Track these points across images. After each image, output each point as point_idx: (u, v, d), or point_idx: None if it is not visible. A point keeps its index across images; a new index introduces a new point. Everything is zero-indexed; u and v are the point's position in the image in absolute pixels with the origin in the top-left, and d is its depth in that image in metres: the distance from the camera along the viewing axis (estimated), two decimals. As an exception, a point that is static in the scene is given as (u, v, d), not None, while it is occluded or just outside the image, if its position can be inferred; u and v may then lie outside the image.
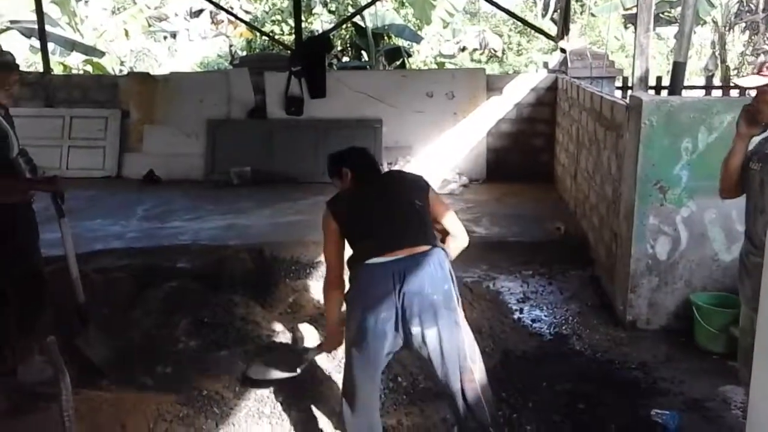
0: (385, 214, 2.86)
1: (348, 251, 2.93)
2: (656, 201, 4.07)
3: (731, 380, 3.66)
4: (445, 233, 3.04)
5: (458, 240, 3.05)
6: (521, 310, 4.68)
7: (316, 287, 5.09)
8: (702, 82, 14.44)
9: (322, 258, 5.45)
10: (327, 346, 3.31)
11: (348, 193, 3.04)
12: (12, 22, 13.16)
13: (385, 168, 8.09)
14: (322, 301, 4.87)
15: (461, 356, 2.73)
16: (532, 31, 17.92)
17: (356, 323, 2.74)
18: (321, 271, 5.38)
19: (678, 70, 5.75)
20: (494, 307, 4.57)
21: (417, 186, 2.99)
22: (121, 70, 15.44)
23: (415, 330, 2.67)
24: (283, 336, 4.05)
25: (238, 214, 7.01)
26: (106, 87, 9.48)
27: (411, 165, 8.24)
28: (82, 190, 7.92)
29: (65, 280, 4.04)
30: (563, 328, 4.38)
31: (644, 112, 3.95)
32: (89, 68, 14.21)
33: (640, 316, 4.27)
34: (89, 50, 12.19)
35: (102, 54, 13.02)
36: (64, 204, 3.99)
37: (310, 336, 4.06)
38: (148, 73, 10.09)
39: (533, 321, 4.51)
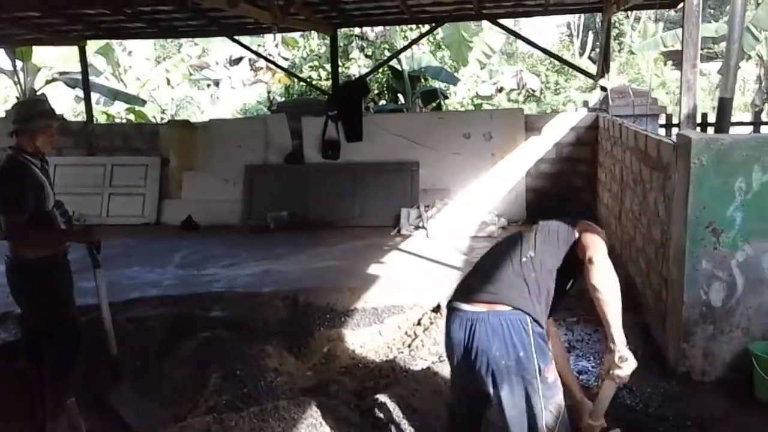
0: (497, 259, 2.71)
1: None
2: (709, 244, 3.83)
3: (800, 439, 3.38)
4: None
5: (599, 294, 2.48)
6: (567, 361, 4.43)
7: (351, 336, 4.97)
8: (746, 117, 14.08)
9: (357, 305, 5.39)
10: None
11: None
12: (60, 73, 13.65)
13: (423, 210, 7.99)
14: (357, 351, 4.77)
15: (515, 427, 2.54)
16: (570, 70, 17.87)
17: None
18: (356, 319, 5.25)
19: (724, 106, 5.53)
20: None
21: (559, 238, 2.70)
22: (162, 118, 15.81)
23: (488, 390, 2.55)
24: (316, 390, 3.90)
25: (273, 260, 6.94)
26: (146, 135, 9.65)
27: (448, 207, 8.12)
28: (122, 237, 8.00)
29: (99, 331, 4.00)
30: (612, 380, 4.12)
31: (693, 151, 3.75)
32: (131, 117, 14.59)
33: (695, 367, 3.99)
34: (131, 99, 12.51)
35: (143, 102, 13.35)
36: (100, 254, 3.97)
37: (345, 389, 3.90)
38: (187, 121, 10.27)
39: (580, 372, 4.26)
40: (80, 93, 11.33)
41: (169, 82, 14.99)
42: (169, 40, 21.86)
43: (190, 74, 15.76)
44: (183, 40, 18.77)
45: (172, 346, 4.67)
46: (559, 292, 2.63)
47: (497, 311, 2.52)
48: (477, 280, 2.68)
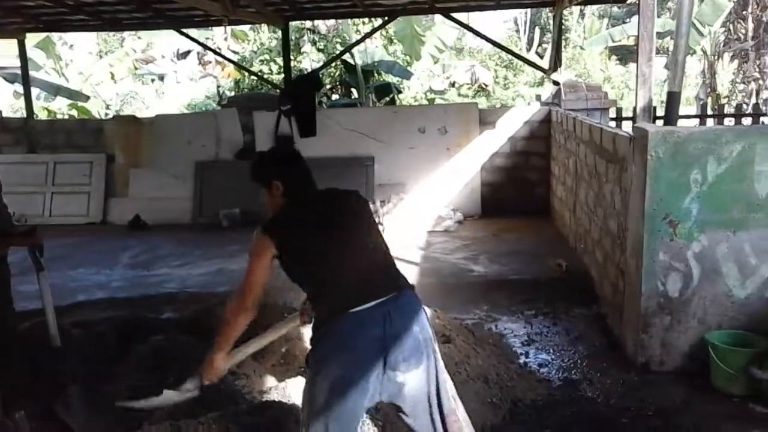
0: (351, 253, 2.58)
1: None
2: (666, 236, 3.88)
3: (757, 425, 3.44)
4: None
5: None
6: (527, 354, 4.44)
7: (309, 335, 4.85)
8: (690, 110, 14.45)
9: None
10: (209, 374, 2.99)
11: (287, 216, 2.76)
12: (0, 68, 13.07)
13: (378, 206, 7.92)
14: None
15: (444, 396, 2.57)
16: (519, 65, 18.07)
17: (331, 382, 2.43)
18: (315, 318, 5.14)
19: (673, 99, 5.62)
20: (499, 352, 4.32)
21: (361, 208, 2.75)
22: (106, 114, 15.31)
23: (400, 377, 2.45)
24: (275, 392, 3.79)
25: (227, 259, 6.78)
26: (90, 131, 9.31)
27: (405, 202, 8.08)
28: (65, 237, 7.70)
29: (44, 337, 3.81)
30: (572, 372, 4.14)
31: (650, 144, 3.79)
32: (74, 113, 14.08)
33: (653, 358, 4.03)
34: (74, 95, 12.05)
35: (87, 98, 12.88)
36: (43, 256, 3.78)
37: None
38: (134, 116, 9.94)
39: (540, 366, 4.27)
40: (20, 88, 10.88)
41: (113, 77, 14.51)
42: (111, 34, 21.20)
43: (135, 68, 15.28)
44: (126, 34, 18.20)
45: (123, 351, 4.47)
46: None
47: (398, 295, 2.52)
48: (359, 280, 2.53)
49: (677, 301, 3.95)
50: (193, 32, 10.70)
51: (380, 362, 2.42)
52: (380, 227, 2.84)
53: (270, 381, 4.09)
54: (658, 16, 20.12)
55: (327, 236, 2.61)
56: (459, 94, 18.15)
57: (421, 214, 7.85)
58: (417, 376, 2.48)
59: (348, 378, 2.42)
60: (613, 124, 8.46)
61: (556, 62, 8.44)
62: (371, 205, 2.95)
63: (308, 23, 14.54)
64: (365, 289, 2.49)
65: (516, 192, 8.31)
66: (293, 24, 12.83)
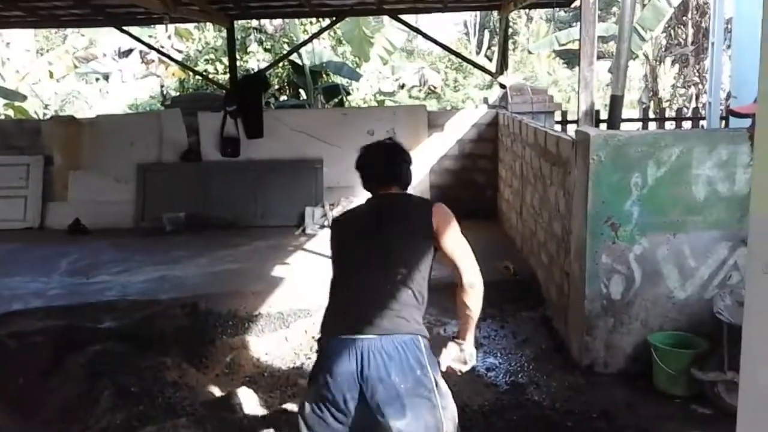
0: (368, 279, 2.51)
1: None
2: (608, 239, 3.93)
3: (699, 426, 3.50)
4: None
5: (468, 293, 2.52)
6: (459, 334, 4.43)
7: (255, 343, 4.77)
8: (633, 114, 14.82)
9: (261, 310, 5.18)
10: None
11: (349, 212, 2.84)
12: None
13: (328, 209, 7.84)
14: (262, 359, 4.57)
15: None
16: (469, 68, 18.24)
17: (318, 387, 2.42)
18: (261, 325, 5.05)
19: (616, 103, 5.73)
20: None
21: (419, 224, 2.58)
22: (45, 114, 14.80)
23: (383, 420, 2.34)
24: (219, 404, 3.68)
25: (171, 265, 6.58)
26: (27, 132, 8.94)
27: (354, 205, 8.01)
28: (1, 243, 7.38)
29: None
30: (519, 376, 4.16)
31: (592, 147, 3.83)
32: (11, 113, 13.54)
33: (598, 360, 4.08)
34: (9, 94, 11.57)
35: (24, 98, 12.39)
36: None
37: (250, 401, 3.71)
38: (72, 117, 9.60)
39: (488, 370, 4.28)
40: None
41: (52, 76, 14.01)
42: (53, 31, 20.51)
43: (75, 67, 14.79)
44: (69, 31, 17.64)
45: (59, 362, 4.30)
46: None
47: (389, 336, 2.38)
48: (357, 305, 2.48)
49: (620, 303, 4.00)
50: (135, 30, 10.39)
51: (356, 397, 2.36)
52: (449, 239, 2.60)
53: (214, 391, 3.99)
54: (603, 21, 20.61)
55: (359, 247, 2.60)
56: (410, 96, 18.20)
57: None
58: (402, 426, 2.34)
59: (325, 404, 2.39)
60: (558, 127, 8.59)
61: (502, 65, 8.51)
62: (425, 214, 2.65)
63: (254, 22, 14.33)
64: (355, 318, 2.43)
65: (465, 194, 8.32)
66: (239, 23, 12.64)
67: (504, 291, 5.54)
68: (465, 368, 2.67)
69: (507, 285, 5.67)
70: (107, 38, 16.70)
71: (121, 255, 7.03)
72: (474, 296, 2.53)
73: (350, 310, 2.48)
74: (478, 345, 4.63)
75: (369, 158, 2.81)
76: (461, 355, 2.63)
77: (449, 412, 2.46)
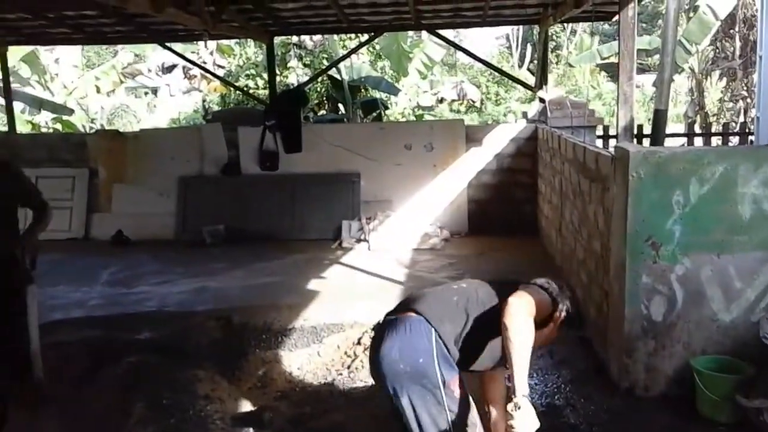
0: (434, 289, 2.88)
1: None
2: (648, 258, 3.80)
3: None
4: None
5: (504, 323, 2.44)
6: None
7: (288, 358, 4.76)
8: (679, 128, 14.50)
9: (295, 324, 5.18)
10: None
11: None
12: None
13: (364, 223, 7.85)
14: (294, 374, 4.56)
15: None
16: (510, 82, 18.10)
17: None
18: (294, 339, 5.04)
19: (659, 118, 5.60)
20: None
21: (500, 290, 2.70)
22: (91, 128, 15.20)
23: (390, 392, 2.51)
24: (249, 418, 3.68)
25: (209, 277, 6.65)
26: (74, 145, 9.18)
27: (390, 219, 8.00)
28: (47, 253, 7.50)
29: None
30: (556, 397, 4.05)
31: (631, 164, 3.72)
32: (59, 126, 13.95)
33: (638, 383, 3.95)
34: (57, 108, 11.92)
35: (71, 111, 12.75)
36: (36, 269, 3.75)
37: (280, 417, 3.69)
38: (117, 131, 9.84)
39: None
40: (2, 102, 10.76)
41: (99, 90, 14.41)
42: (104, 47, 21.14)
43: (121, 81, 15.21)
44: (119, 47, 18.15)
45: (95, 373, 4.36)
46: (490, 349, 2.62)
47: (406, 317, 2.56)
48: (405, 298, 2.81)
49: (661, 325, 3.87)
50: (178, 46, 10.62)
51: (377, 373, 2.57)
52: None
53: (245, 405, 3.99)
54: (648, 34, 20.29)
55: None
56: (451, 110, 18.18)
57: (407, 231, 7.77)
58: (402, 405, 2.47)
59: None
60: (600, 142, 8.44)
61: (541, 79, 8.41)
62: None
63: (294, 38, 14.51)
64: (398, 305, 2.74)
65: (503, 210, 8.23)
66: (279, 39, 12.79)
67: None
68: (515, 423, 2.36)
69: (544, 303, 5.57)
70: (154, 54, 17.11)
71: (161, 266, 7.14)
72: (509, 315, 2.42)
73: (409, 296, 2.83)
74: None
75: None
76: (509, 406, 2.41)
77: (460, 418, 2.51)
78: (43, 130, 14.03)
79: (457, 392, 2.50)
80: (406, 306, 2.67)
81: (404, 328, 2.53)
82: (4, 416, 3.57)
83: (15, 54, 12.11)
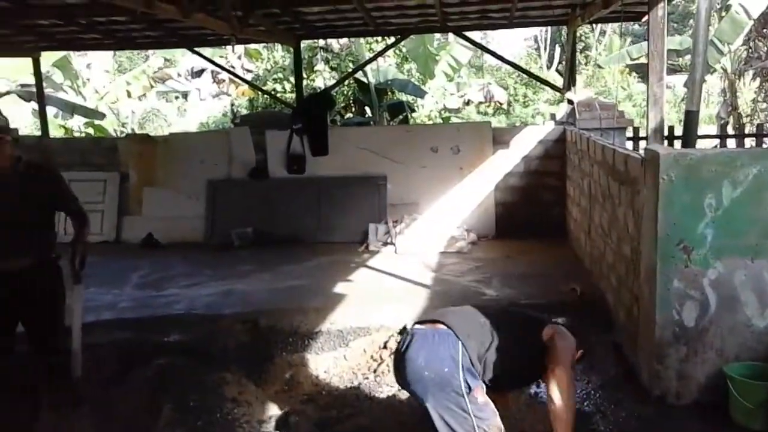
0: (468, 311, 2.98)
1: None
2: (680, 262, 3.73)
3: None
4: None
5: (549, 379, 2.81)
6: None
7: (314, 361, 4.77)
8: (712, 130, 14.25)
9: (322, 327, 5.19)
10: None
11: None
12: (22, 86, 13.23)
13: (391, 226, 7.84)
14: (320, 377, 4.56)
15: None
16: (538, 83, 17.97)
17: None
18: (321, 343, 5.05)
19: (691, 119, 5.48)
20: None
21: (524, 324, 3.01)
22: (122, 132, 15.44)
23: (416, 399, 2.69)
24: (276, 421, 3.69)
25: (237, 279, 6.70)
26: (105, 149, 9.33)
27: (417, 222, 7.97)
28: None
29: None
30: (585, 404, 3.99)
31: (662, 166, 3.65)
32: (91, 131, 14.19)
33: (669, 390, 3.87)
34: (89, 113, 12.14)
35: (102, 116, 12.97)
36: (84, 269, 3.88)
37: (306, 420, 3.70)
38: (147, 135, 9.97)
39: (551, 396, 4.11)
40: (36, 106, 10.98)
41: (129, 95, 14.64)
42: (136, 52, 21.47)
43: (151, 86, 15.44)
44: (150, 52, 18.43)
45: (125, 374, 4.41)
46: (508, 372, 2.79)
47: (434, 328, 2.71)
48: (436, 312, 2.96)
49: (693, 330, 3.79)
50: (207, 51, 10.73)
51: (402, 378, 2.75)
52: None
53: (272, 408, 4.00)
54: (680, 34, 19.98)
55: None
56: (478, 112, 18.09)
57: (433, 234, 7.73)
58: (428, 410, 2.64)
59: None
60: (630, 144, 8.32)
61: (569, 80, 8.33)
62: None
63: (321, 42, 14.57)
64: (428, 316, 2.92)
65: (531, 212, 8.16)
66: (306, 42, 12.85)
67: (570, 314, 5.37)
68: None
69: (573, 308, 5.49)
70: (183, 59, 17.33)
71: (191, 269, 7.21)
72: (554, 387, 2.74)
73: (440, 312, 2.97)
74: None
75: None
76: None
77: (486, 423, 2.64)
78: (76, 134, 14.30)
79: (481, 400, 2.61)
80: (434, 319, 2.79)
81: (431, 337, 2.66)
82: (37, 415, 3.63)
83: (48, 59, 12.36)
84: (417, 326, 2.81)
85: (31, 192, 3.71)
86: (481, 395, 2.63)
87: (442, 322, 2.75)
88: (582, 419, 3.81)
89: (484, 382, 2.74)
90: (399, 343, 2.80)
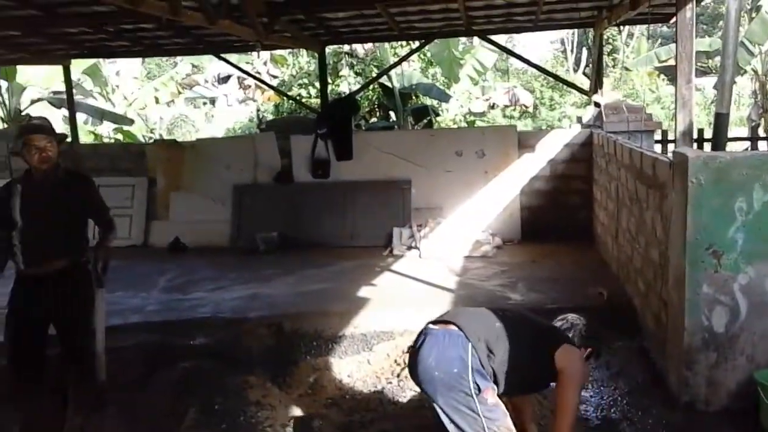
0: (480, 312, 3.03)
1: None
2: (710, 267, 3.65)
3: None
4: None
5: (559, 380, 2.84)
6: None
7: (338, 365, 4.76)
8: (742, 132, 14.02)
9: (346, 331, 5.19)
10: None
11: None
12: (54, 93, 13.50)
13: (415, 230, 7.82)
14: (344, 381, 4.56)
15: None
16: (565, 86, 17.84)
17: None
18: (344, 346, 5.05)
19: (721, 121, 5.41)
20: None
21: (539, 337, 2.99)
22: (150, 138, 15.65)
23: (427, 397, 2.77)
24: (299, 425, 3.69)
25: (262, 283, 6.73)
26: (133, 155, 9.47)
27: (442, 226, 7.95)
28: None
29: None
30: (612, 411, 3.93)
31: (691, 170, 3.59)
32: (120, 136, 14.42)
33: (698, 396, 3.79)
34: (118, 119, 12.34)
35: (131, 122, 13.17)
36: (106, 274, 3.92)
37: (329, 424, 3.70)
38: (174, 140, 10.11)
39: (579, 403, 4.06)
40: (66, 113, 11.18)
41: (158, 101, 14.85)
42: (164, 59, 21.77)
43: (179, 92, 15.63)
44: (179, 58, 18.71)
45: (150, 377, 4.46)
46: (517, 378, 2.81)
47: (445, 329, 2.76)
48: (450, 312, 3.03)
49: (723, 336, 3.71)
50: (234, 57, 10.86)
51: (416, 378, 2.81)
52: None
53: (295, 412, 4.00)
54: (709, 35, 19.69)
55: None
56: (504, 116, 17.99)
57: (458, 238, 7.70)
58: (438, 410, 2.70)
59: None
60: (658, 147, 8.20)
61: (597, 83, 8.24)
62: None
63: (346, 47, 14.62)
64: (442, 317, 2.93)
65: (557, 216, 8.08)
66: (331, 48, 12.91)
67: (597, 319, 5.28)
68: None
69: (600, 313, 5.41)
70: (211, 65, 17.52)
71: (216, 273, 7.26)
72: (562, 383, 2.78)
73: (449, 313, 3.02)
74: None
75: None
76: None
77: (495, 424, 2.68)
78: (105, 140, 14.54)
79: (491, 401, 2.65)
80: (447, 319, 2.83)
81: (443, 338, 2.71)
82: (64, 417, 3.68)
83: (78, 67, 12.57)
84: (430, 326, 2.87)
85: (66, 197, 3.83)
86: (491, 396, 2.67)
87: (455, 323, 2.79)
88: (609, 426, 3.77)
89: (495, 384, 2.78)
90: (414, 342, 2.88)
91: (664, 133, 8.60)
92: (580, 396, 2.82)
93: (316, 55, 9.76)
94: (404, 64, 12.35)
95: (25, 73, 12.04)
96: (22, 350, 3.80)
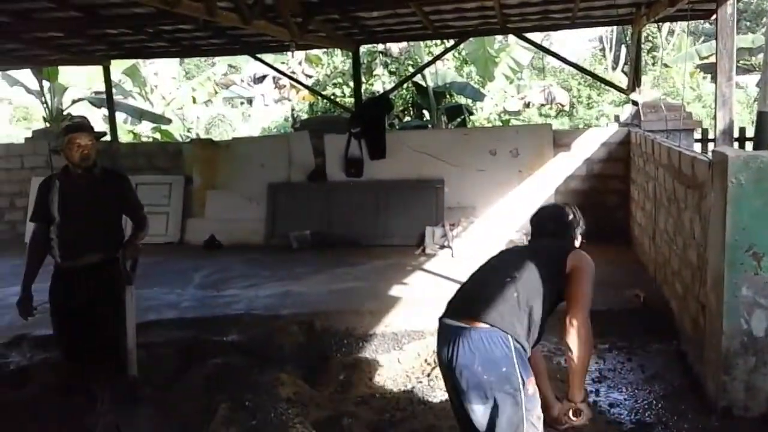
0: (485, 277, 2.84)
1: None
2: (750, 269, 3.55)
3: None
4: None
5: (567, 332, 2.62)
6: (597, 392, 4.18)
7: (369, 363, 4.76)
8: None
9: (377, 330, 5.19)
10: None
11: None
12: (95, 93, 13.82)
13: (448, 229, 7.78)
14: (374, 380, 4.55)
15: None
16: (602, 84, 17.57)
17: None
18: (375, 345, 5.05)
19: (763, 120, 5.25)
20: (566, 389, 4.08)
21: (549, 260, 2.80)
22: (187, 137, 15.90)
23: (467, 406, 2.61)
24: (329, 423, 3.69)
25: (294, 281, 6.78)
26: (170, 154, 9.62)
27: (474, 226, 7.89)
28: (145, 256, 7.86)
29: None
30: (646, 414, 3.85)
31: (730, 170, 3.49)
32: (158, 136, 14.68)
33: (736, 402, 3.69)
34: (156, 118, 12.56)
35: (168, 121, 13.39)
36: (136, 271, 3.96)
37: (359, 422, 3.69)
38: (211, 139, 10.24)
39: (611, 406, 3.99)
40: (106, 112, 11.41)
41: (195, 101, 15.07)
42: (203, 59, 22.07)
43: (215, 92, 15.84)
44: (217, 59, 18.97)
45: (183, 372, 4.51)
46: (545, 313, 2.71)
47: (478, 328, 2.59)
48: (464, 296, 2.77)
49: (763, 341, 3.61)
50: (269, 57, 10.95)
51: (452, 380, 2.65)
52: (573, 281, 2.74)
53: (326, 410, 4.01)
54: (752, 32, 19.19)
55: (495, 258, 2.98)
56: (540, 114, 17.79)
57: (491, 238, 7.63)
58: (480, 412, 2.58)
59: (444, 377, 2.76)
60: (698, 146, 8.01)
61: (635, 81, 8.08)
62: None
63: (380, 46, 14.62)
64: (459, 306, 2.72)
65: (593, 216, 7.80)
66: (365, 47, 12.93)
67: (633, 321, 5.21)
68: (576, 422, 2.72)
69: (636, 315, 5.32)
70: (247, 65, 17.70)
71: (250, 270, 7.34)
72: (573, 336, 2.60)
73: (459, 296, 2.80)
74: (601, 378, 4.38)
75: (535, 218, 3.22)
76: (566, 406, 2.72)
77: (534, 416, 2.62)
78: (143, 139, 14.81)
79: (531, 390, 2.61)
80: (469, 311, 2.65)
81: (481, 342, 2.57)
82: (95, 412, 3.75)
83: (118, 67, 12.83)
84: (450, 321, 2.67)
85: (102, 194, 3.94)
86: (531, 385, 2.62)
87: (484, 320, 2.60)
88: (643, 429, 3.69)
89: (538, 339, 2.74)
90: (441, 344, 2.67)
91: (705, 131, 8.39)
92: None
93: (351, 54, 9.79)
94: (438, 62, 12.29)
95: (66, 73, 12.32)
96: (71, 343, 3.92)
